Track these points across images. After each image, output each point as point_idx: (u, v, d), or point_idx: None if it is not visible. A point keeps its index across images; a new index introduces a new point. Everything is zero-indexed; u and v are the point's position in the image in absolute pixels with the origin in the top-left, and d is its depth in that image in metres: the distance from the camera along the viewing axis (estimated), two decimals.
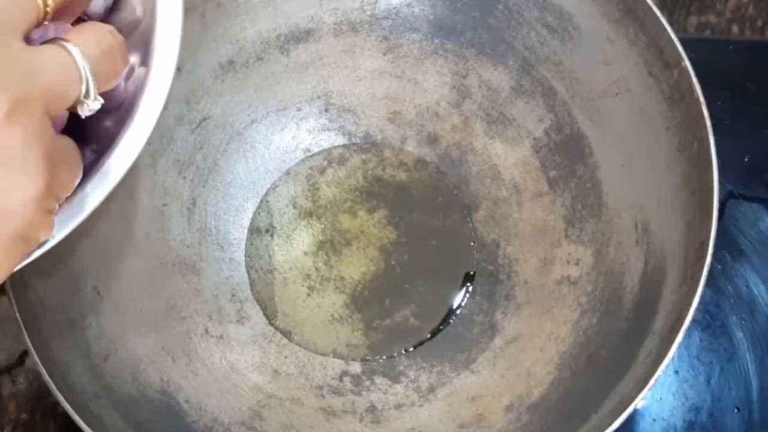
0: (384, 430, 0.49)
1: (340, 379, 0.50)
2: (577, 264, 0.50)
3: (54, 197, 0.29)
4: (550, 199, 0.52)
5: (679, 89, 0.45)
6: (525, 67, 0.53)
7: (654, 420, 0.54)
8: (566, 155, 0.52)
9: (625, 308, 0.46)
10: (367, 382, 0.50)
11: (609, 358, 0.45)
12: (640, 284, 0.46)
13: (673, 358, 0.40)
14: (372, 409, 0.49)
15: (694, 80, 0.44)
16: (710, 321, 0.56)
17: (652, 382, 0.40)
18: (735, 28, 0.66)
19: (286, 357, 0.51)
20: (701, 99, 0.44)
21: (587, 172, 0.51)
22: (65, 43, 0.29)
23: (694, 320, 0.40)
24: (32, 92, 0.27)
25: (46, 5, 0.29)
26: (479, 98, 0.55)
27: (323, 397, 0.50)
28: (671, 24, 0.46)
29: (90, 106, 0.30)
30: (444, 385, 0.50)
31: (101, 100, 0.30)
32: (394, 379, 0.50)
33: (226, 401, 0.48)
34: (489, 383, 0.49)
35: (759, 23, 0.66)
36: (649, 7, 0.46)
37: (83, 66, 0.29)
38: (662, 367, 0.40)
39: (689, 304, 0.41)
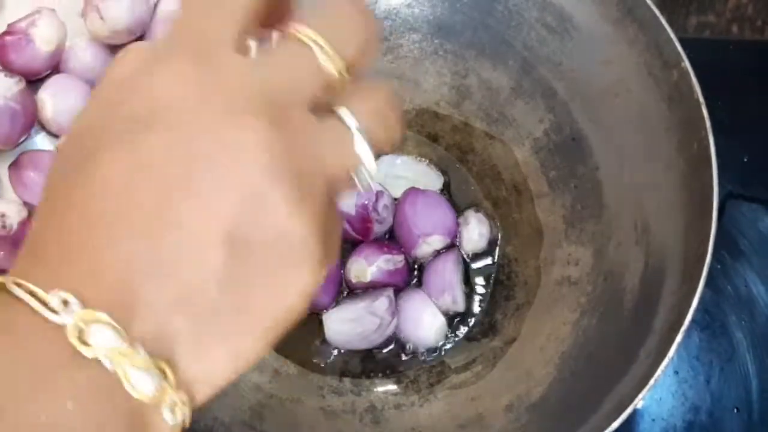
0: (384, 430, 0.49)
1: (340, 379, 0.50)
2: (577, 264, 0.50)
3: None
4: (550, 199, 0.52)
5: (678, 89, 0.45)
6: (525, 67, 0.53)
7: (653, 420, 0.54)
8: (566, 156, 0.52)
9: (624, 308, 0.46)
10: (367, 382, 0.50)
11: (609, 359, 0.45)
12: (640, 284, 0.46)
13: (672, 358, 0.40)
14: (372, 409, 0.49)
15: (694, 80, 0.44)
16: (710, 321, 0.56)
17: (651, 382, 0.40)
18: (735, 28, 0.66)
19: (286, 357, 0.51)
20: (701, 99, 0.44)
21: (587, 173, 0.51)
22: (344, 115, 0.26)
23: (693, 320, 0.40)
24: (318, 178, 0.24)
25: (342, 75, 0.26)
26: (479, 99, 0.55)
27: (323, 397, 0.50)
28: (671, 24, 0.46)
29: (363, 186, 0.26)
30: (444, 385, 0.50)
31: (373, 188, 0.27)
32: (394, 379, 0.50)
33: (227, 401, 0.48)
34: (489, 383, 0.49)
35: (759, 23, 0.66)
36: (649, 8, 0.46)
37: (362, 149, 0.26)
38: (662, 367, 0.40)
39: (689, 305, 0.41)
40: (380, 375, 0.51)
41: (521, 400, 0.47)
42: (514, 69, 0.53)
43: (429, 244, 0.51)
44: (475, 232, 0.52)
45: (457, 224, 0.52)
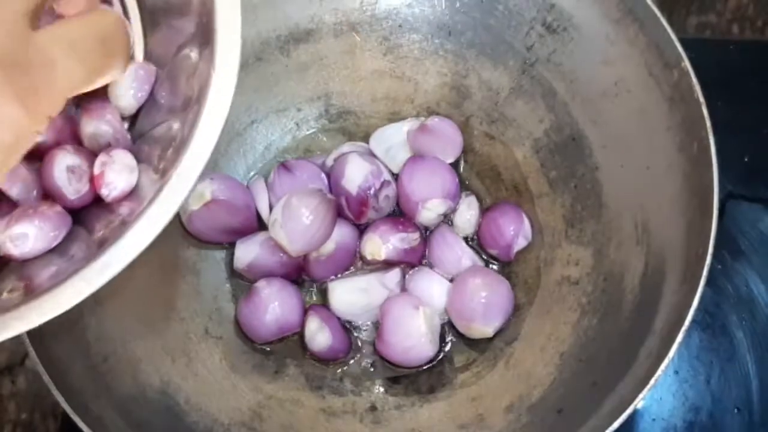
0: (384, 430, 0.49)
1: (341, 380, 0.50)
2: (577, 265, 0.50)
3: None
4: (550, 199, 0.52)
5: (679, 89, 0.45)
6: (525, 67, 0.53)
7: (654, 420, 0.54)
8: (566, 156, 0.52)
9: (625, 308, 0.46)
10: (368, 383, 0.50)
11: (609, 359, 0.45)
12: (641, 284, 0.46)
13: (673, 358, 0.40)
14: (372, 409, 0.49)
15: (694, 80, 0.44)
16: (710, 321, 0.56)
17: (652, 382, 0.40)
18: (735, 28, 0.66)
19: (285, 357, 0.51)
20: (701, 99, 0.44)
21: (587, 173, 0.51)
22: None
23: (694, 320, 0.40)
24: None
25: None
26: (479, 99, 0.55)
27: (323, 397, 0.50)
28: (671, 24, 0.46)
29: None
30: (444, 385, 0.50)
31: None
32: (394, 379, 0.50)
33: (226, 402, 0.48)
34: (489, 384, 0.49)
35: (759, 23, 0.66)
36: (649, 8, 0.46)
37: None
38: (662, 367, 0.40)
39: (689, 304, 0.41)
40: (380, 376, 0.51)
41: (521, 400, 0.47)
42: (514, 69, 0.53)
43: (429, 210, 0.51)
44: (465, 215, 0.53)
45: (458, 187, 0.53)
